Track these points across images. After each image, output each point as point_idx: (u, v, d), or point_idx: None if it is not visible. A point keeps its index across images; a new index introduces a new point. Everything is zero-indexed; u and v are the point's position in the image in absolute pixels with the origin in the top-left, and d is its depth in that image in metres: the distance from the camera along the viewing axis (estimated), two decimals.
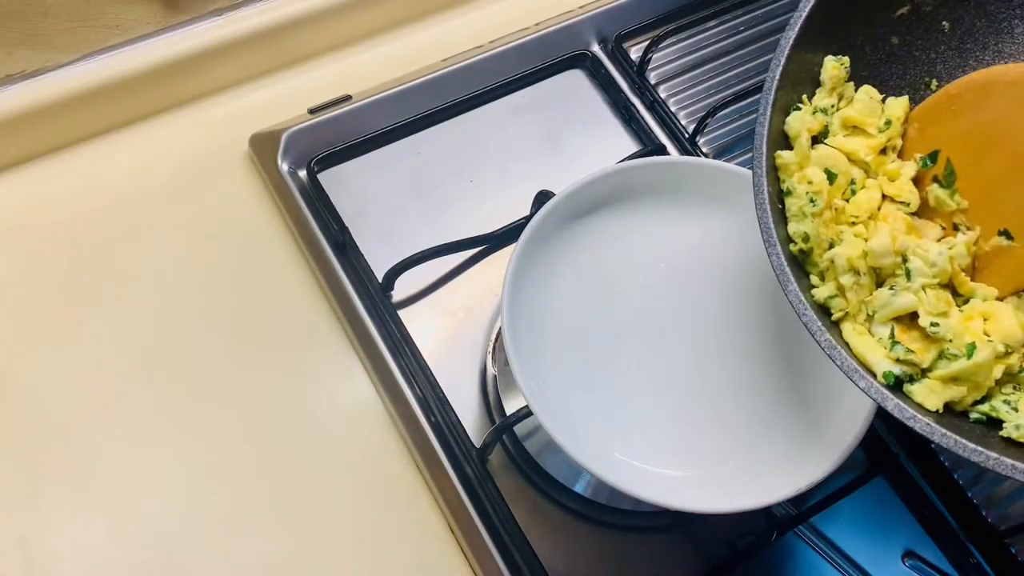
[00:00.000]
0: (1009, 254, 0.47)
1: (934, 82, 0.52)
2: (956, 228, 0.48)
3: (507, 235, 0.64)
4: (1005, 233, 0.46)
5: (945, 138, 0.48)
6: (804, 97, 0.50)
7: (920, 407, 0.43)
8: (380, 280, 0.62)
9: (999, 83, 0.46)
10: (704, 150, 0.71)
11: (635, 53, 0.75)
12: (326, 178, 0.66)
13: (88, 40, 0.64)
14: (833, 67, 0.49)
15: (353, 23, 0.73)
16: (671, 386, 0.55)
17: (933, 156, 0.48)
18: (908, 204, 0.49)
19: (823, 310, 0.46)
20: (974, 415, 0.44)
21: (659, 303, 0.58)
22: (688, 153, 0.71)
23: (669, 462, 0.53)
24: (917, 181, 0.49)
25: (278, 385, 0.60)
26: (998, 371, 0.44)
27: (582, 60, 0.75)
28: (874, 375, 0.44)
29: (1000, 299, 0.47)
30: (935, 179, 0.48)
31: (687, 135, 0.71)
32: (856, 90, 0.51)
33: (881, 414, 0.61)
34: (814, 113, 0.49)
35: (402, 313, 0.62)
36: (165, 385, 0.59)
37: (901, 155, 0.51)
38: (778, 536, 0.57)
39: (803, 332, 0.46)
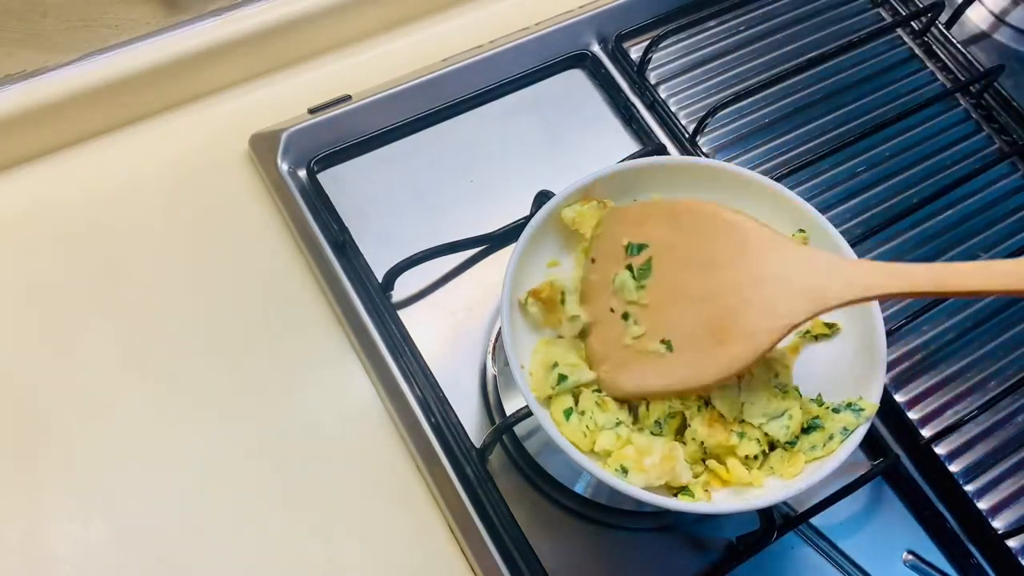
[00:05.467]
0: (657, 360, 0.51)
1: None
2: (625, 317, 0.52)
3: (507, 235, 0.64)
4: (667, 343, 0.50)
5: (658, 240, 0.52)
6: None
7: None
8: (380, 280, 0.62)
9: (721, 220, 0.50)
10: (704, 150, 0.71)
11: (635, 53, 0.75)
12: (326, 178, 0.66)
13: (88, 40, 0.64)
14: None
15: (353, 23, 0.73)
16: None
17: (640, 247, 0.52)
18: None
19: None
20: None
21: None
22: (688, 153, 0.71)
23: None
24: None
25: (277, 385, 0.60)
26: None
27: (582, 60, 0.75)
28: None
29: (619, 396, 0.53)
30: (628, 267, 0.52)
31: (687, 135, 0.71)
32: None
33: (882, 415, 0.61)
34: None
35: (402, 313, 0.62)
36: (164, 385, 0.59)
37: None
38: (778, 536, 0.57)
39: None
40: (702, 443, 0.52)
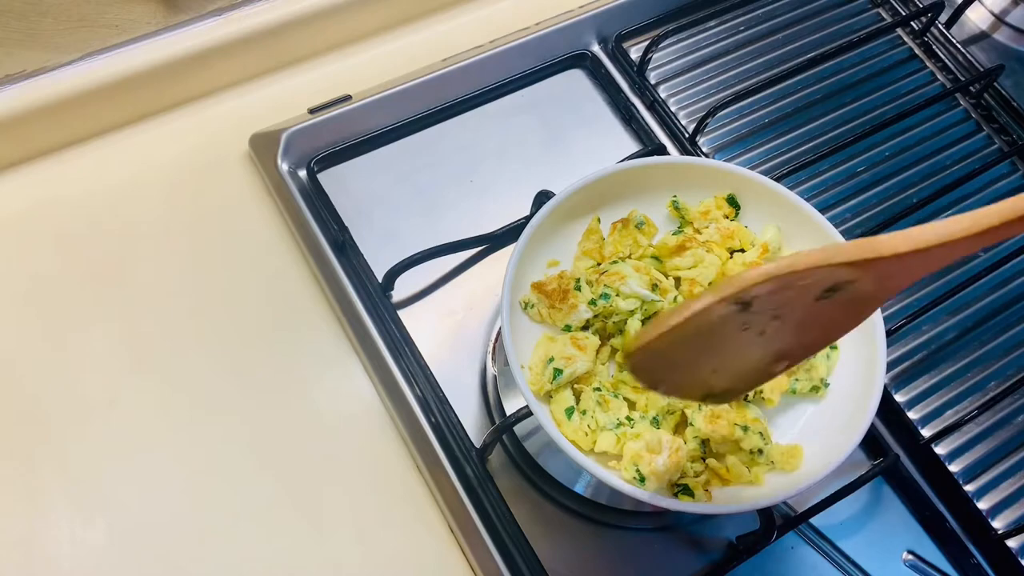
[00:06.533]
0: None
1: None
2: None
3: (507, 235, 0.64)
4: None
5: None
6: None
7: None
8: (380, 280, 0.62)
9: None
10: (704, 150, 0.71)
11: (635, 53, 0.75)
12: (326, 178, 0.66)
13: (88, 40, 0.64)
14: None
15: (353, 23, 0.73)
16: None
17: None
18: None
19: None
20: None
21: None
22: (688, 153, 0.71)
23: None
24: None
25: (278, 385, 0.60)
26: None
27: (582, 60, 0.75)
28: None
29: None
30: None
31: (687, 135, 0.71)
32: None
33: (882, 415, 0.61)
34: None
35: (402, 313, 0.62)
36: (164, 385, 0.59)
37: None
38: (778, 536, 0.57)
39: None
40: (703, 441, 0.52)
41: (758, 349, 0.44)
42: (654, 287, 0.55)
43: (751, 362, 0.46)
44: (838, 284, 0.40)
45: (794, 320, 0.43)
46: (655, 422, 0.52)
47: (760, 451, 0.51)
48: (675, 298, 0.55)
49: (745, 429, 0.51)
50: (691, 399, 0.49)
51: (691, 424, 0.52)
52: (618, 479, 0.49)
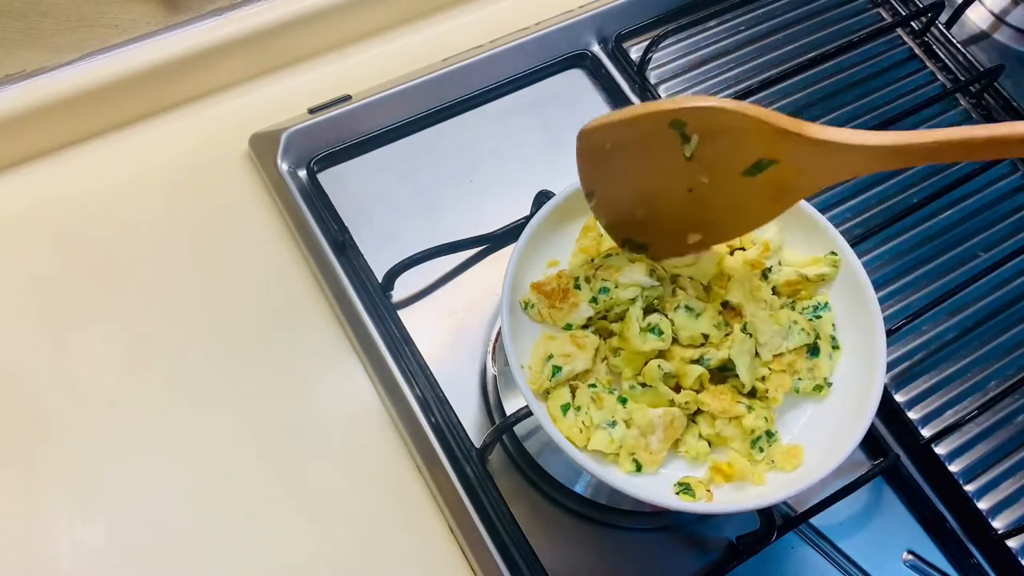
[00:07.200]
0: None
1: None
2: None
3: (507, 235, 0.64)
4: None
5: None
6: None
7: None
8: (380, 280, 0.62)
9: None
10: None
11: (635, 53, 0.75)
12: (326, 178, 0.66)
13: (88, 40, 0.64)
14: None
15: (353, 23, 0.73)
16: None
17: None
18: None
19: None
20: None
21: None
22: None
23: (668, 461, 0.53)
24: None
25: (278, 385, 0.60)
26: None
27: (582, 60, 0.75)
28: None
29: None
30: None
31: None
32: None
33: (882, 415, 0.61)
34: None
35: (402, 313, 0.62)
36: (164, 385, 0.59)
37: None
38: (778, 536, 0.57)
39: None
40: (712, 419, 0.52)
41: (682, 203, 0.51)
42: (651, 272, 0.55)
43: (673, 218, 0.52)
44: (764, 160, 0.46)
45: (719, 185, 0.49)
46: (644, 388, 0.52)
47: (762, 447, 0.51)
48: (673, 290, 0.55)
49: (750, 409, 0.51)
50: (613, 233, 0.55)
51: (694, 423, 0.52)
52: (615, 476, 0.49)
